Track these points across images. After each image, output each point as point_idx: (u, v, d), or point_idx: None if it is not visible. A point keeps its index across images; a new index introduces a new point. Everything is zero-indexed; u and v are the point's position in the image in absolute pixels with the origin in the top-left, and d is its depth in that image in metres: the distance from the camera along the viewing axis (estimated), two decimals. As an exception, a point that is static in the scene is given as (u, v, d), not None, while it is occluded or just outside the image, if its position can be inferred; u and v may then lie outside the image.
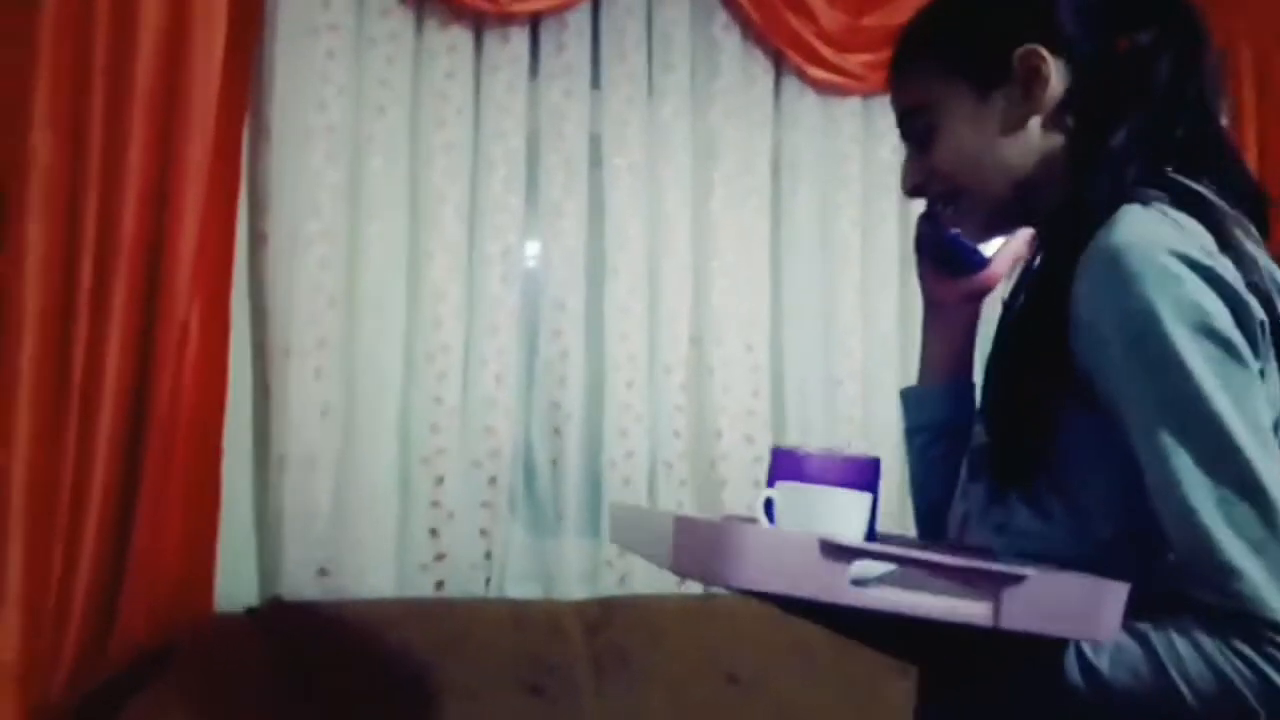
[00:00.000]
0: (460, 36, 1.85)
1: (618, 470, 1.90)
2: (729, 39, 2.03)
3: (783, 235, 2.08)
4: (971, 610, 0.65)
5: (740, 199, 2.03)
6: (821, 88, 2.08)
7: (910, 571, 0.68)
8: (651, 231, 1.97)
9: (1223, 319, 0.69)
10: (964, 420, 0.88)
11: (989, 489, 0.80)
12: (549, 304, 1.90)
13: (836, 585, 0.64)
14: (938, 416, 0.95)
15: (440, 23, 1.84)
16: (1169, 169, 0.77)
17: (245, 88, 1.71)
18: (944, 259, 0.94)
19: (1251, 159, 2.12)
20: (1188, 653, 0.68)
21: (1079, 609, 0.66)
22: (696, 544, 0.67)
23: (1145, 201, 0.73)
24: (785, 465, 0.81)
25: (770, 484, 0.80)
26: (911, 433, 0.98)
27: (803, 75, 2.06)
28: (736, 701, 1.68)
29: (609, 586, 1.87)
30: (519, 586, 1.84)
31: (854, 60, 2.05)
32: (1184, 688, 0.68)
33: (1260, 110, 2.21)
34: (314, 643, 1.56)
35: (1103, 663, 0.69)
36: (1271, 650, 0.66)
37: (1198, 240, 0.71)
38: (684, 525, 0.69)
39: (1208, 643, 0.68)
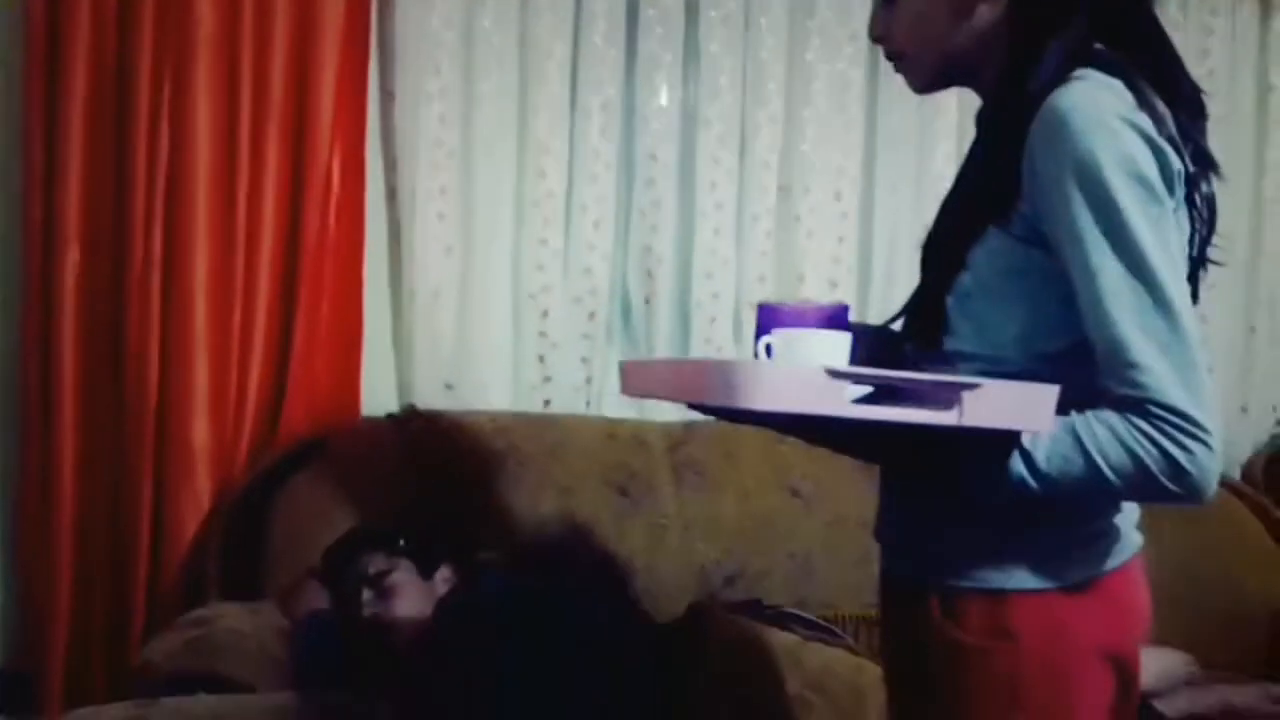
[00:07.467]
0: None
1: (704, 310, 2.07)
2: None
3: (879, 86, 2.11)
4: (939, 415, 0.78)
5: (835, 48, 2.06)
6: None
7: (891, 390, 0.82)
8: (744, 82, 2.04)
9: (1149, 166, 0.82)
10: None
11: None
12: (643, 154, 2.04)
13: (838, 403, 0.78)
14: None
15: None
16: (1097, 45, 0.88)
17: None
18: None
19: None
20: (1103, 433, 0.81)
21: (1022, 407, 0.79)
22: (724, 380, 0.79)
23: (1082, 74, 0.85)
24: (772, 316, 0.97)
25: (760, 332, 0.96)
26: None
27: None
28: (798, 511, 1.89)
29: (692, 413, 2.09)
30: (614, 409, 2.08)
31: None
32: (1102, 463, 0.81)
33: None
34: (441, 443, 1.84)
35: (1039, 453, 0.82)
36: (1171, 430, 0.80)
37: (1126, 100, 0.84)
38: (713, 365, 0.85)
39: (1119, 424, 0.81)
